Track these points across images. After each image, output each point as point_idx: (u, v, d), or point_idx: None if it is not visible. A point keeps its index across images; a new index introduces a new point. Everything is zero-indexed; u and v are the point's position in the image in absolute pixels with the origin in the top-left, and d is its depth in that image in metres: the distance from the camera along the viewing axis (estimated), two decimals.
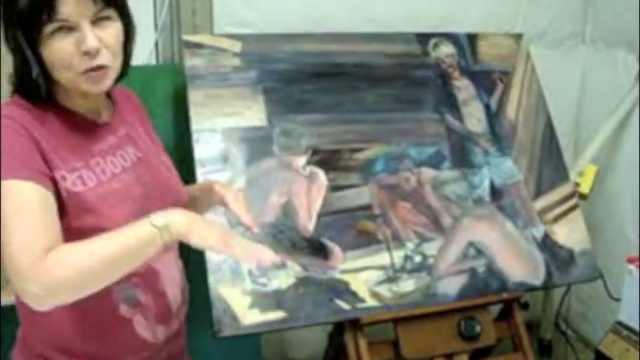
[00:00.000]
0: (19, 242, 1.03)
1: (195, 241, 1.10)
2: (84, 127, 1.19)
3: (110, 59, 1.13)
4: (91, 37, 1.08)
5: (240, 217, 1.35)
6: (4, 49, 1.13)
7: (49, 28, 1.07)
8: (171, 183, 1.34)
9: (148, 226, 1.07)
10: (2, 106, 1.13)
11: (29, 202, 1.05)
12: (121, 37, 1.16)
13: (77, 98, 1.18)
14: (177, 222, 1.09)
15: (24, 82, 1.12)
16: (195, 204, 1.46)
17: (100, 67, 1.12)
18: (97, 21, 1.10)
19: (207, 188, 1.45)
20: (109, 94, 1.27)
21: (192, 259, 1.49)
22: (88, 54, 1.09)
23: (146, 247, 1.08)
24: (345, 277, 1.84)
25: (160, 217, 1.08)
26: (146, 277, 1.19)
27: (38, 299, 1.04)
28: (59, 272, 1.02)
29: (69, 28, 1.08)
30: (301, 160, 1.94)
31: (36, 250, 1.02)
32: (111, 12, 1.12)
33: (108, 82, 1.15)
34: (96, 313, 1.18)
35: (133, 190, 1.22)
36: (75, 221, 1.12)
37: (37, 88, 1.12)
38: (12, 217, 1.04)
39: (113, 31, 1.13)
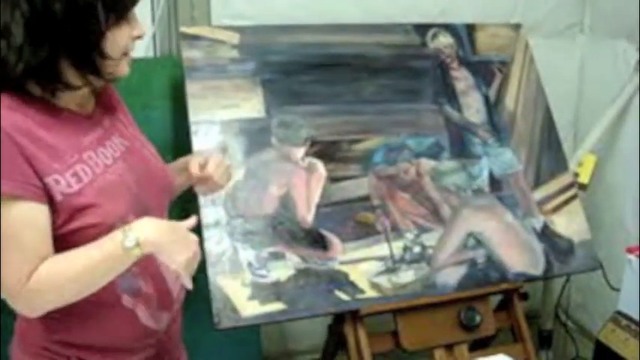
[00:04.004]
0: (3, 266, 1.07)
1: (165, 261, 1.15)
2: (73, 121, 1.18)
3: None
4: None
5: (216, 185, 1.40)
6: None
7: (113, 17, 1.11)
8: (158, 169, 1.34)
9: (118, 244, 1.08)
10: None
11: (12, 223, 1.06)
12: None
13: (64, 93, 1.15)
14: (149, 241, 1.10)
15: (15, 78, 1.08)
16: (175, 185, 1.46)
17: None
18: None
19: (183, 168, 1.43)
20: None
21: None
22: (139, 38, 1.17)
23: (120, 261, 1.11)
24: (345, 268, 1.84)
25: (132, 234, 1.09)
26: (145, 264, 1.19)
27: (27, 314, 1.15)
28: (40, 297, 1.10)
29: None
30: (300, 152, 1.94)
31: (21, 277, 1.07)
32: None
33: None
34: (99, 305, 1.18)
35: (126, 180, 1.22)
36: (72, 223, 1.12)
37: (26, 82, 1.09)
38: None
39: None
